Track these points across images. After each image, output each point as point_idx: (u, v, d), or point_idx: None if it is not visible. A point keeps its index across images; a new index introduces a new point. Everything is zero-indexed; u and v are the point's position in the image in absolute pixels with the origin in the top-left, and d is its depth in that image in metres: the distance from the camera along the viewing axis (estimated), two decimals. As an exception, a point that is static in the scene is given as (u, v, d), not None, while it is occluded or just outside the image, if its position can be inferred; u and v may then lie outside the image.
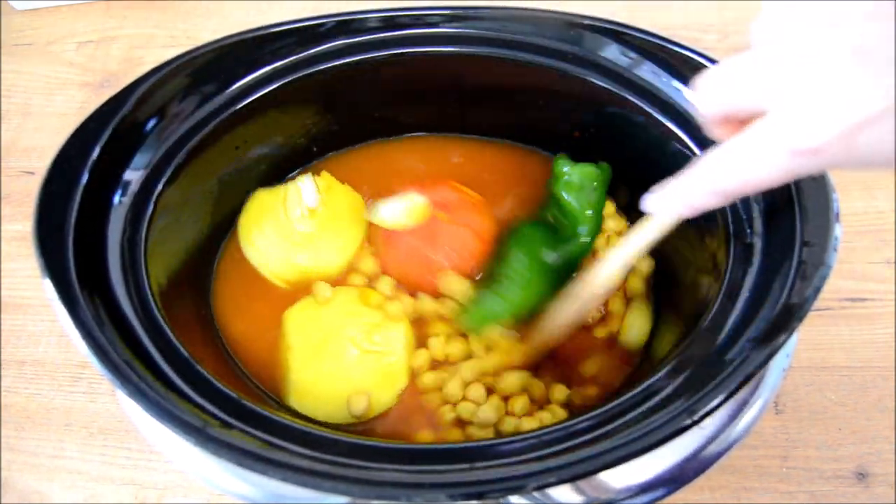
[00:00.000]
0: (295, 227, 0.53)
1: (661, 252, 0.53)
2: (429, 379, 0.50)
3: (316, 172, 0.58)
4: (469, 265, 0.52)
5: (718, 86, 0.32)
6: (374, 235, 0.56)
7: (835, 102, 0.27)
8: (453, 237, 0.52)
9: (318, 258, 0.54)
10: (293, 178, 0.60)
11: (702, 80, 0.33)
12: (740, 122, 0.32)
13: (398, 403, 0.49)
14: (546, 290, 0.51)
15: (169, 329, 0.41)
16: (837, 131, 0.27)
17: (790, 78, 0.29)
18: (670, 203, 0.38)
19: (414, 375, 0.50)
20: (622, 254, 0.45)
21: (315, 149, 0.60)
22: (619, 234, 0.56)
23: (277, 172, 0.59)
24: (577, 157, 0.56)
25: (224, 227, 0.56)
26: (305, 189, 0.54)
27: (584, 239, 0.53)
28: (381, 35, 0.52)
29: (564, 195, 0.55)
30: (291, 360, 0.49)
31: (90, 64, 0.84)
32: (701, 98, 0.33)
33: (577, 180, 0.54)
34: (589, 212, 0.54)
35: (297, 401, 0.48)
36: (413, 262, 0.53)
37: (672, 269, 0.53)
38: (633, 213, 0.57)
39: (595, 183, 0.54)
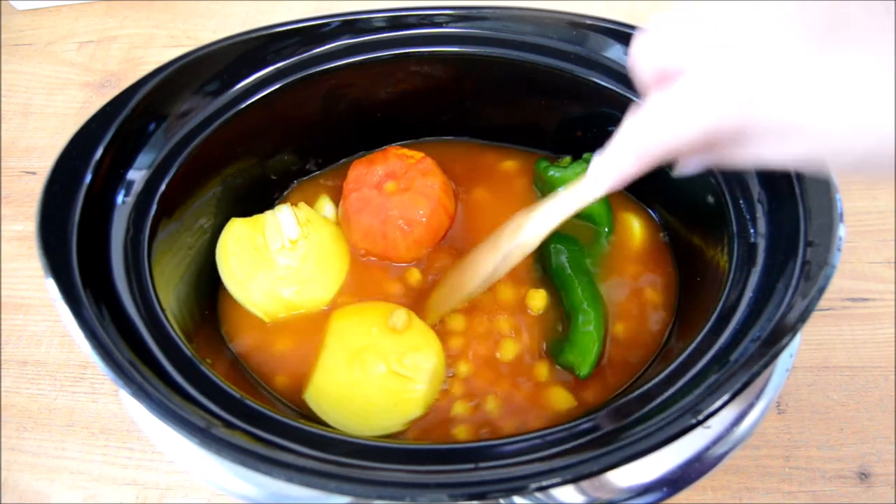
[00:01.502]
0: (277, 260, 0.52)
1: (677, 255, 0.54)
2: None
3: (315, 182, 0.59)
4: (422, 226, 0.54)
5: (652, 42, 0.32)
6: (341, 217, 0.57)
7: (762, 66, 0.27)
8: (403, 205, 0.54)
9: (305, 292, 0.53)
10: (295, 189, 0.61)
11: (638, 38, 0.32)
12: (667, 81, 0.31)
13: (406, 430, 0.49)
14: (601, 293, 0.53)
15: (172, 329, 0.41)
16: (749, 96, 0.28)
17: (717, 36, 0.29)
18: (602, 173, 0.37)
19: (430, 409, 0.49)
20: (553, 215, 0.43)
21: (321, 149, 0.60)
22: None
23: (283, 173, 0.59)
24: (577, 157, 0.57)
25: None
26: (284, 220, 0.53)
27: (605, 229, 0.56)
28: (385, 35, 0.52)
29: None
30: (322, 357, 0.49)
31: (91, 64, 0.83)
32: (635, 54, 0.32)
33: (573, 179, 0.55)
34: (597, 204, 0.55)
35: (313, 399, 0.48)
36: (371, 238, 0.55)
37: (685, 272, 0.54)
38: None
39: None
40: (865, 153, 0.27)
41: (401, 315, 0.50)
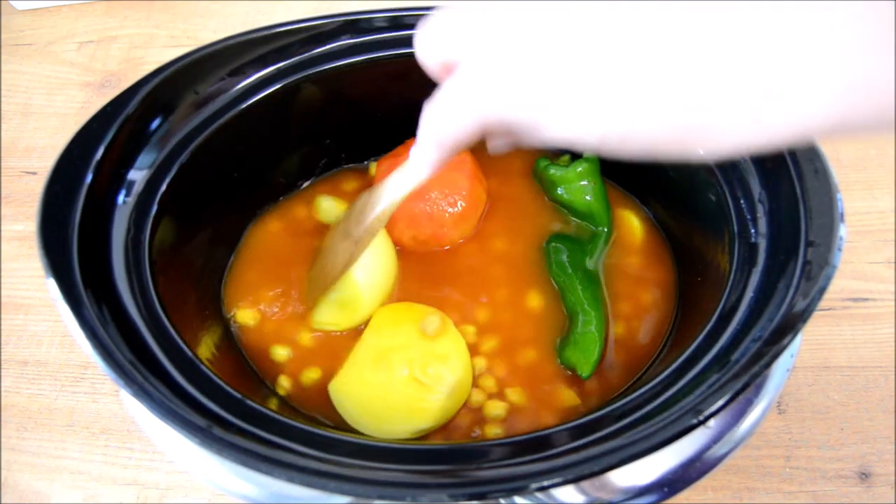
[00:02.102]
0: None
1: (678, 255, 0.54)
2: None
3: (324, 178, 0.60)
4: (463, 199, 0.55)
5: (432, 35, 0.32)
6: None
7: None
8: (440, 183, 0.54)
9: (356, 290, 0.51)
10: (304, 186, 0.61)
11: (422, 29, 0.33)
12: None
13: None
14: (602, 291, 0.53)
15: (173, 329, 0.41)
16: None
17: (487, 31, 0.30)
18: (417, 161, 0.38)
19: (444, 423, 0.48)
20: (388, 198, 0.44)
21: (322, 149, 0.60)
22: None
23: (284, 173, 0.59)
24: (577, 156, 0.57)
25: (229, 227, 0.56)
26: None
27: (604, 229, 0.56)
28: (386, 35, 0.52)
29: (566, 196, 0.56)
30: (356, 350, 0.49)
31: (91, 64, 0.83)
32: (418, 47, 0.33)
33: (572, 178, 0.55)
34: (595, 202, 0.56)
35: (336, 390, 0.49)
36: (417, 223, 0.55)
37: (685, 272, 0.54)
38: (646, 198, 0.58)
39: (589, 177, 0.55)
40: (614, 138, 0.28)
41: (433, 321, 0.49)
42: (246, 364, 0.52)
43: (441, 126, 0.33)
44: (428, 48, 0.33)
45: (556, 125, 0.29)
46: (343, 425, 0.49)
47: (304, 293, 0.53)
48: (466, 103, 0.31)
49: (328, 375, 0.51)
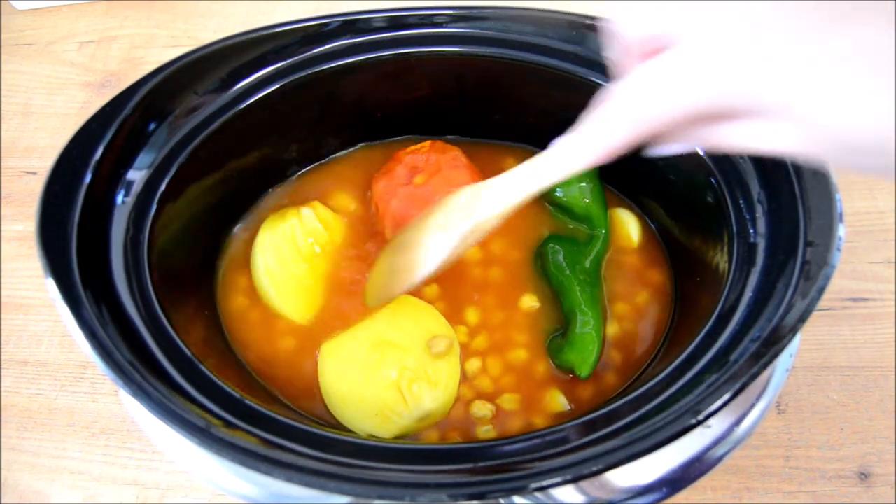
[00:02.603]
0: (312, 260, 0.53)
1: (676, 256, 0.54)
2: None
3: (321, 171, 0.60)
4: None
5: (643, 6, 0.29)
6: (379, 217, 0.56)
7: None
8: (446, 183, 0.54)
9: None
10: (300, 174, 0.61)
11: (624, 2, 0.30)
12: (653, 52, 0.29)
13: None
14: (600, 292, 0.53)
15: (172, 329, 0.41)
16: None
17: (717, 4, 0.27)
18: (581, 147, 0.33)
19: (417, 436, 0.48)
20: (518, 190, 0.38)
21: (320, 149, 0.60)
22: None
23: (282, 172, 0.59)
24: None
25: (229, 226, 0.56)
26: (306, 216, 0.54)
27: (601, 230, 0.55)
28: (385, 35, 0.52)
29: (565, 198, 0.56)
30: (363, 324, 0.49)
31: (91, 64, 0.83)
32: (622, 19, 0.30)
33: (571, 180, 0.55)
34: (594, 205, 0.55)
35: (325, 354, 0.49)
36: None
37: (684, 272, 0.54)
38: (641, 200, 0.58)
39: (587, 178, 0.55)
40: (868, 144, 0.25)
41: (442, 342, 0.48)
42: (239, 362, 0.52)
43: (645, 104, 0.29)
44: (633, 16, 0.29)
45: (801, 124, 0.25)
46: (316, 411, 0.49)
47: (367, 293, 0.49)
48: (693, 76, 0.27)
49: (315, 372, 0.50)
